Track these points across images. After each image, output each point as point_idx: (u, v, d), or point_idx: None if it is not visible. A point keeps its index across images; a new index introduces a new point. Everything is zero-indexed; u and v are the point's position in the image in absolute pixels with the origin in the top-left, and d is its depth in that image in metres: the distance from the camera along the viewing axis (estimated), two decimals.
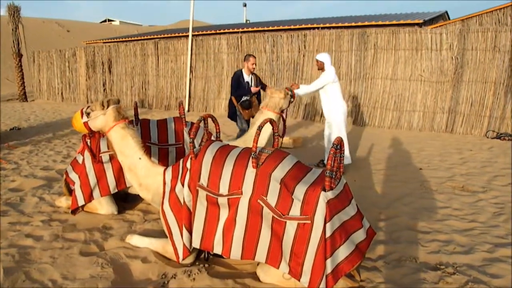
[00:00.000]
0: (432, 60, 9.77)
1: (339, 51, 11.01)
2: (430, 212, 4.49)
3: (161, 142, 4.25)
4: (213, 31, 16.53)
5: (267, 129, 4.86)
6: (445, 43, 9.55)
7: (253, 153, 2.81)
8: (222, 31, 16.37)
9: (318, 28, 12.35)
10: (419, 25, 12.53)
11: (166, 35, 18.29)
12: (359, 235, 2.85)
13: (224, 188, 2.87)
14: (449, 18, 15.85)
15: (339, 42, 10.93)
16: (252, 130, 4.84)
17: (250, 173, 2.83)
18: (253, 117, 6.35)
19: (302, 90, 5.71)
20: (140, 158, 3.40)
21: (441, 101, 9.80)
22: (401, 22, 12.71)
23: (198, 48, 13.64)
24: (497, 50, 9.11)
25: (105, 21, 58.82)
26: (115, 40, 21.28)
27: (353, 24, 13.85)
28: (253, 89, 6.24)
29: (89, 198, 3.94)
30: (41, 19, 42.08)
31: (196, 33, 15.75)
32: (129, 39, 19.50)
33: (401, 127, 10.33)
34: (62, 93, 17.23)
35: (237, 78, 6.28)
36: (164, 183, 3.28)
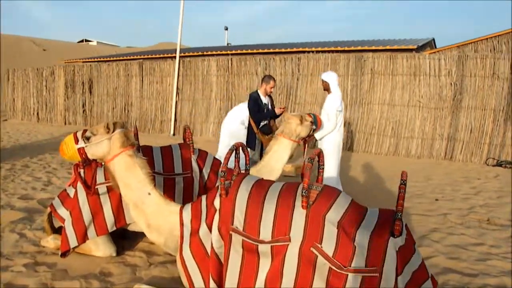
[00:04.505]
0: (430, 86, 9.59)
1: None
2: (466, 250, 4.05)
3: (166, 171, 3.67)
4: (201, 53, 16.13)
5: (283, 157, 4.37)
6: (444, 69, 9.40)
7: (304, 191, 2.30)
8: (211, 52, 15.99)
9: (312, 51, 12.12)
10: (413, 50, 12.48)
11: (151, 56, 17.76)
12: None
13: (266, 233, 2.33)
14: (435, 46, 16.02)
15: (335, 67, 10.66)
16: (267, 159, 4.32)
17: (299, 214, 2.31)
18: None
19: (321, 133, 5.12)
20: (149, 193, 2.83)
21: (440, 127, 9.57)
22: (395, 47, 12.65)
23: (186, 69, 13.17)
24: (496, 77, 9.00)
25: (82, 41, 57.94)
26: (96, 59, 20.59)
27: (346, 48, 13.71)
28: (278, 110, 5.74)
29: (83, 238, 3.31)
30: (15, 36, 40.90)
31: (184, 54, 15.30)
32: (112, 58, 18.85)
33: (398, 154, 10.03)
34: (38, 113, 16.31)
35: (255, 101, 5.76)
36: (182, 224, 2.70)
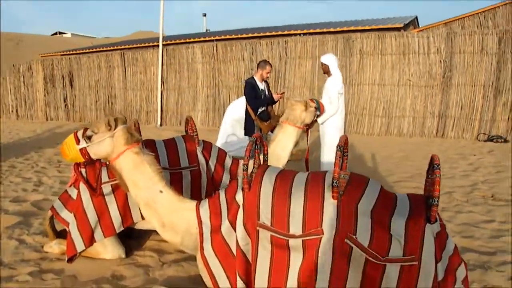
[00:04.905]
0: (420, 64, 9.56)
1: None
2: (478, 227, 4.02)
3: (172, 165, 3.50)
4: (185, 40, 15.74)
5: (289, 144, 4.24)
6: (433, 47, 9.37)
7: (334, 180, 2.17)
8: (195, 39, 15.61)
9: (299, 34, 11.93)
10: (401, 29, 12.42)
11: (133, 46, 17.26)
12: (462, 272, 2.29)
13: (296, 226, 2.20)
14: (418, 24, 15.99)
15: (323, 48, 10.53)
16: (272, 147, 4.18)
17: (331, 206, 2.18)
18: (272, 130, 5.69)
19: (323, 117, 4.99)
20: (161, 191, 2.65)
21: (431, 105, 9.59)
22: (381, 26, 12.55)
23: (170, 58, 12.85)
24: (485, 53, 9.02)
25: (56, 33, 56.20)
26: (75, 52, 19.91)
27: (333, 29, 13.53)
28: (276, 96, 5.56)
29: (90, 241, 3.13)
30: None
31: (167, 42, 14.91)
32: (92, 50, 18.25)
33: (390, 134, 10.03)
34: (17, 111, 15.74)
35: (252, 87, 5.57)
36: (200, 222, 2.55)
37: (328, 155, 5.12)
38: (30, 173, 6.56)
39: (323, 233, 2.16)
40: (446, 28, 11.86)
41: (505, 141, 8.77)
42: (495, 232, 3.88)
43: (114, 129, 2.69)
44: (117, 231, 3.22)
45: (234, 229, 2.37)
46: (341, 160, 2.27)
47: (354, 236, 2.14)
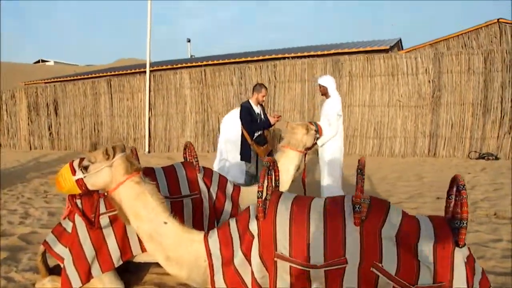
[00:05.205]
0: (409, 84, 9.65)
1: (312, 80, 10.64)
2: (487, 247, 3.92)
3: (173, 194, 3.31)
4: (172, 66, 15.69)
5: (291, 169, 4.11)
6: (421, 67, 9.50)
7: (357, 206, 2.05)
8: (183, 65, 15.58)
9: (288, 58, 12.00)
10: (387, 51, 12.61)
11: (119, 72, 17.13)
12: None
13: (317, 256, 2.05)
14: (402, 46, 16.31)
15: (312, 71, 10.58)
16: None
17: (353, 232, 2.05)
18: (269, 154, 5.54)
19: (323, 139, 4.91)
20: (165, 222, 2.48)
21: (421, 125, 9.63)
22: (368, 48, 12.73)
23: (157, 84, 12.75)
24: (472, 72, 9.17)
25: (38, 61, 55.84)
26: (60, 79, 19.67)
27: (320, 52, 13.65)
28: (272, 119, 5.45)
29: (87, 277, 2.90)
30: None
31: (154, 68, 14.83)
32: (77, 77, 18.05)
33: (382, 154, 10.01)
34: None
35: (248, 111, 5.45)
36: (209, 254, 2.38)
37: (328, 178, 5.00)
38: (16, 204, 6.26)
39: (346, 262, 2.02)
40: (432, 48, 12.11)
41: (496, 158, 8.83)
42: (506, 252, 3.79)
43: (113, 157, 2.52)
44: (116, 266, 3.00)
45: (248, 261, 2.20)
46: (362, 184, 2.15)
47: (380, 264, 2.00)
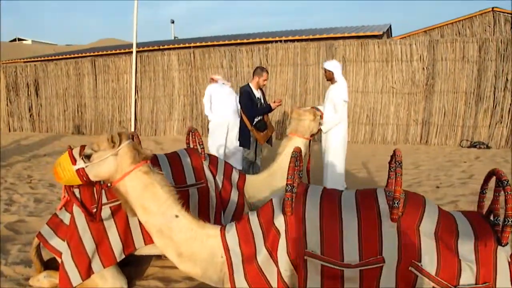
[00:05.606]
0: (403, 71, 9.54)
1: (304, 64, 10.43)
2: None
3: (178, 183, 3.09)
4: (160, 46, 15.18)
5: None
6: (415, 54, 9.38)
7: (396, 201, 1.89)
8: (171, 46, 15.09)
9: (281, 41, 11.72)
10: (380, 36, 12.46)
11: (104, 52, 16.50)
12: None
13: (351, 254, 1.89)
14: (391, 33, 16.20)
15: (305, 55, 10.36)
16: (280, 161, 3.84)
17: (390, 229, 1.90)
18: (268, 140, 5.35)
19: (328, 125, 4.75)
20: (177, 216, 2.28)
21: (414, 112, 9.57)
22: (361, 34, 12.55)
23: (144, 65, 12.31)
24: (466, 60, 9.10)
25: (15, 39, 53.81)
26: (40, 58, 18.89)
27: (312, 36, 13.39)
28: (274, 104, 5.24)
29: (87, 272, 2.69)
30: None
31: (141, 48, 14.33)
32: (59, 57, 17.33)
33: (374, 141, 9.94)
34: None
35: (248, 96, 5.23)
36: (227, 250, 2.19)
37: (332, 165, 4.86)
38: None
39: (383, 261, 1.87)
40: (426, 35, 12.01)
41: (487, 147, 8.85)
42: None
43: (119, 145, 2.29)
44: (118, 260, 2.80)
45: (274, 259, 2.02)
46: (396, 177, 1.98)
47: (419, 263, 1.86)
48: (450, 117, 9.31)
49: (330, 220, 1.96)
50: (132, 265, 3.19)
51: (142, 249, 2.95)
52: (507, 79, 8.82)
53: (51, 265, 3.00)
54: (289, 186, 1.97)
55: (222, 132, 5.99)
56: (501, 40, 8.92)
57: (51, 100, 13.47)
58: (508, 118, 8.86)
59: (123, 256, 2.82)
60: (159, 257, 3.31)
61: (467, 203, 4.96)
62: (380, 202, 1.99)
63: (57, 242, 2.78)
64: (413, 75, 9.48)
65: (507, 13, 12.02)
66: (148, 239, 2.82)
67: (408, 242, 1.87)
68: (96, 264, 2.73)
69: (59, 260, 2.73)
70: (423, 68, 9.38)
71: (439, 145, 9.36)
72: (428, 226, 1.92)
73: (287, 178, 1.98)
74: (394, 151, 2.10)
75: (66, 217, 2.82)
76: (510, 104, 8.84)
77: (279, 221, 2.02)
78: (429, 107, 9.45)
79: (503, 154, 8.14)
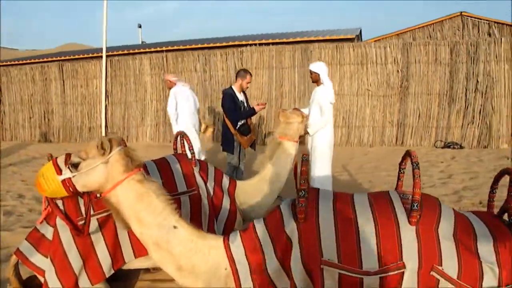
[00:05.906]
0: (378, 74, 9.66)
1: (280, 67, 10.39)
2: None
3: (168, 191, 2.87)
4: (130, 51, 14.77)
5: (288, 161, 3.79)
6: (390, 57, 9.52)
7: (415, 203, 1.80)
8: (142, 50, 14.70)
9: (255, 44, 11.63)
10: (354, 39, 12.59)
11: (71, 57, 15.89)
12: None
13: (370, 261, 1.78)
14: (361, 37, 16.40)
15: (280, 58, 10.32)
16: (270, 165, 3.69)
17: (409, 233, 1.80)
18: (252, 144, 5.20)
19: (314, 128, 4.64)
20: (175, 227, 2.10)
21: (389, 114, 9.70)
22: (334, 37, 12.64)
23: (115, 70, 11.95)
24: (438, 62, 9.31)
25: None
26: (2, 63, 18.01)
27: (286, 40, 13.39)
28: (258, 107, 5.10)
29: None
30: None
31: (111, 53, 13.90)
32: (23, 62, 16.58)
33: (351, 144, 9.99)
34: None
35: (231, 99, 5.07)
36: (232, 261, 2.04)
37: (320, 169, 4.76)
38: None
39: (404, 267, 1.77)
40: (398, 39, 12.25)
41: (461, 147, 9.06)
42: None
43: (109, 152, 2.09)
44: (107, 276, 2.58)
45: (286, 268, 1.89)
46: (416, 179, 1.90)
47: (440, 267, 1.77)
48: (424, 118, 9.49)
49: (345, 225, 1.84)
50: (120, 280, 2.97)
51: (132, 263, 2.74)
52: (477, 81, 9.08)
53: (29, 284, 2.74)
54: (302, 191, 1.85)
55: (193, 137, 5.91)
56: (470, 43, 9.18)
57: (15, 106, 12.84)
58: (479, 119, 9.11)
59: (112, 271, 2.60)
60: (148, 270, 3.11)
61: (451, 203, 5.00)
62: (395, 205, 1.90)
63: (38, 259, 2.53)
64: (388, 77, 9.61)
65: (475, 18, 12.52)
66: (138, 252, 2.63)
67: (428, 245, 1.78)
68: (83, 281, 2.50)
69: (41, 279, 2.49)
70: (398, 71, 9.53)
71: (414, 146, 9.51)
72: (446, 228, 1.84)
73: (300, 183, 1.86)
74: (408, 152, 2.02)
75: (48, 231, 2.57)
76: (481, 105, 9.10)
77: (291, 229, 1.89)
78: (404, 109, 9.59)
79: (476, 153, 8.35)
